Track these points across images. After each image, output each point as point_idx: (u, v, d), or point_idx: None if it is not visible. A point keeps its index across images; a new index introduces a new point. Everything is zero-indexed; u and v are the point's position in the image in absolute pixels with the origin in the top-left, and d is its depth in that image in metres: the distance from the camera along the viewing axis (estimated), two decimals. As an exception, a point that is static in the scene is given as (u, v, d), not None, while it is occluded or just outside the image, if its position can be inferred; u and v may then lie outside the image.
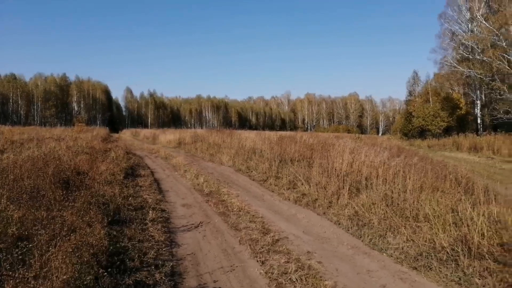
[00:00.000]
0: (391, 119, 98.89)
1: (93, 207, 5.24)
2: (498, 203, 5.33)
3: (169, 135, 26.95)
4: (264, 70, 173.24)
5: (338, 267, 4.32)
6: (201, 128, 61.32)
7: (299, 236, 5.43)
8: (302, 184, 8.35)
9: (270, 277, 3.97)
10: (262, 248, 4.80)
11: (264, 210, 6.88)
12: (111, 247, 4.23)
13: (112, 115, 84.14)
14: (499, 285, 3.71)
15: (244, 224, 5.89)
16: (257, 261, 4.40)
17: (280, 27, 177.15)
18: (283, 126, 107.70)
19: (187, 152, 18.85)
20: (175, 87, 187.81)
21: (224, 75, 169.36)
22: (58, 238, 3.91)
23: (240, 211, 6.72)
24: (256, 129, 78.06)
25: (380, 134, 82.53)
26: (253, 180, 10.22)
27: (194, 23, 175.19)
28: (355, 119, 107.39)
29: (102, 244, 4.07)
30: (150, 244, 4.70)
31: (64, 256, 3.42)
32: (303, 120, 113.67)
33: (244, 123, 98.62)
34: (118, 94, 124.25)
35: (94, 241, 4.02)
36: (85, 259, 3.63)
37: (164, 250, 4.63)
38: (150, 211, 6.19)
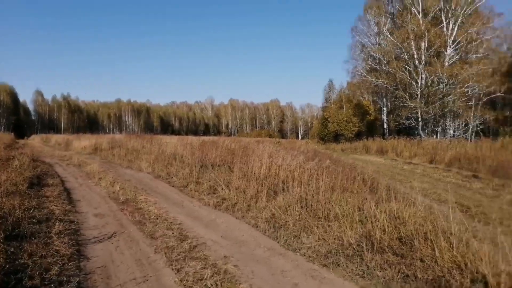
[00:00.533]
0: (309, 124, 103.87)
1: (-13, 221, 4.71)
2: (397, 201, 5.86)
3: (84, 141, 25.23)
4: (187, 75, 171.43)
5: (254, 269, 4.40)
6: (121, 134, 58.31)
7: (217, 241, 5.43)
8: (223, 189, 8.37)
9: (185, 285, 3.91)
10: (179, 255, 4.71)
11: (183, 216, 6.77)
12: (7, 266, 3.83)
13: (18, 119, 76.27)
14: (397, 275, 4.08)
15: (161, 232, 5.72)
16: (173, 269, 4.31)
17: (203, 32, 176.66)
18: (207, 131, 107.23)
19: (103, 158, 17.85)
20: (93, 91, 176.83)
21: (146, 79, 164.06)
22: None
23: (157, 218, 6.52)
24: (179, 134, 76.58)
25: (299, 139, 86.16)
26: (173, 186, 10.00)
27: (114, 25, 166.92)
28: (276, 124, 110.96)
29: (-4, 263, 3.67)
30: (54, 260, 4.33)
31: None
32: (227, 125, 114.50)
33: (166, 128, 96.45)
34: (26, 97, 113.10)
35: (-15, 260, 3.61)
36: (-26, 280, 3.25)
37: (71, 265, 4.30)
38: (57, 223, 5.72)
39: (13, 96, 77.80)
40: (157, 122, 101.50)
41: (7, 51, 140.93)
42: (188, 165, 11.42)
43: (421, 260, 4.27)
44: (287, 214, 6.25)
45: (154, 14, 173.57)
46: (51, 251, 4.57)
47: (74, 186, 10.05)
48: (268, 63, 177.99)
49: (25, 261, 4.15)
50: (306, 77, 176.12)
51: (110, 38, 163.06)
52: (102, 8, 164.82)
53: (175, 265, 4.39)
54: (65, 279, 3.88)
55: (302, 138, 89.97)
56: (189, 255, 4.73)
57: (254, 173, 8.47)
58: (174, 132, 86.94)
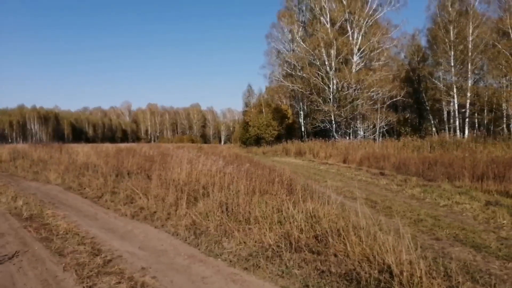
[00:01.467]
0: (231, 128, 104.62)
1: None
2: (313, 200, 6.14)
3: (-22, 154, 22.48)
4: (101, 79, 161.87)
5: (173, 279, 4.26)
6: (25, 143, 53.05)
7: (134, 252, 5.17)
8: (140, 197, 8.02)
9: (98, 303, 3.65)
10: (91, 271, 4.38)
11: (96, 229, 6.33)
12: None
13: None
14: (314, 272, 4.25)
15: (71, 248, 5.29)
16: (84, 287, 3.99)
17: (118, 36, 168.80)
18: (124, 138, 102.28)
19: (3, 171, 16.07)
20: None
21: (54, 82, 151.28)
22: None
23: (67, 234, 6.02)
24: (94, 142, 72.00)
25: (222, 143, 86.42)
26: (86, 198, 9.34)
27: (15, 26, 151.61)
28: (198, 129, 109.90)
29: None
30: None
31: None
32: (146, 131, 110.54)
33: (79, 136, 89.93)
34: None
35: None
36: None
37: (-39, 294, 3.78)
38: None
39: None
40: (68, 130, 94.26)
41: None
42: (102, 174, 10.77)
43: (335, 256, 4.51)
44: (208, 220, 6.19)
45: (66, 15, 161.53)
46: None
47: (-34, 204, 8.87)
48: (188, 67, 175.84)
49: None
50: (226, 81, 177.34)
51: (10, 39, 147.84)
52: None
53: (87, 283, 4.08)
54: (-49, 311, 3.39)
55: (224, 142, 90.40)
56: (103, 270, 4.43)
57: (174, 180, 8.28)
58: (88, 140, 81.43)
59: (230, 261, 4.78)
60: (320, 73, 28.53)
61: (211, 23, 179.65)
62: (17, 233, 6.30)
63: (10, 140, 78.20)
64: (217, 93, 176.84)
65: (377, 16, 27.99)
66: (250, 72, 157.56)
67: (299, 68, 31.32)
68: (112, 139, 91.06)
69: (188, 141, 73.45)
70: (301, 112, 36.10)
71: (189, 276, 4.35)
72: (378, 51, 27.95)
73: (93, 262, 4.69)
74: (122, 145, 23.38)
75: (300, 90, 31.52)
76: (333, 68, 27.95)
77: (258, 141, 36.13)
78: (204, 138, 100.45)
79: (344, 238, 4.65)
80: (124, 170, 10.69)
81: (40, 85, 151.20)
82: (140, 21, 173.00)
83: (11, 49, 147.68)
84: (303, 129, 35.92)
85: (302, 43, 30.67)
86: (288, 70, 33.50)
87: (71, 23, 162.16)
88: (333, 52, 27.61)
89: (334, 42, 27.12)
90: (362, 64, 28.20)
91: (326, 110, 27.92)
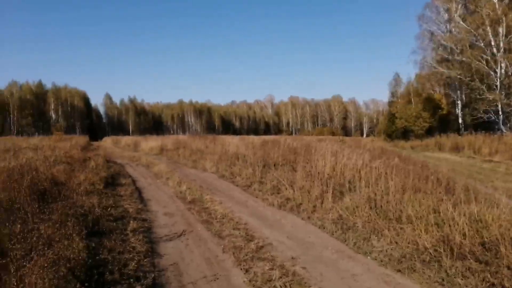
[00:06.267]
0: (375, 120, 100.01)
1: (71, 218, 5.08)
2: (478, 202, 5.39)
3: (150, 142, 26.58)
4: (247, 74, 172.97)
5: (322, 272, 4.28)
6: (184, 134, 60.55)
7: (283, 242, 5.38)
8: (286, 188, 8.30)
9: (254, 285, 3.91)
10: (246, 255, 4.73)
11: (248, 216, 6.81)
12: (90, 260, 4.09)
13: (91, 122, 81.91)
14: (481, 284, 3.73)
15: (227, 232, 5.81)
16: (241, 269, 4.33)
17: (262, 32, 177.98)
18: (267, 130, 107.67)
19: (169, 159, 18.65)
20: (156, 93, 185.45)
21: (206, 79, 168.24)
22: (34, 253, 3.76)
23: (223, 218, 6.64)
24: (240, 133, 77.73)
25: (364, 136, 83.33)
26: (237, 186, 10.14)
27: (174, 29, 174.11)
28: (339, 121, 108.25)
29: (80, 257, 3.94)
30: (130, 256, 4.57)
31: (40, 271, 3.30)
32: (288, 123, 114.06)
33: (227, 127, 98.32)
34: (97, 101, 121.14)
35: (71, 255, 3.89)
36: (62, 273, 3.50)
37: (146, 261, 4.51)
38: (131, 221, 6.06)
39: (86, 100, 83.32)
40: (218, 122, 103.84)
41: (78, 56, 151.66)
42: (250, 164, 11.49)
43: (509, 268, 3.87)
44: (355, 216, 6.03)
45: (215, 15, 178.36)
46: (128, 248, 4.84)
47: (144, 186, 10.60)
48: (329, 58, 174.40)
49: (105, 256, 4.42)
50: (369, 71, 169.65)
51: (172, 40, 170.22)
52: (162, 11, 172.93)
53: (243, 265, 4.41)
54: (141, 274, 4.08)
55: (367, 135, 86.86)
56: (257, 256, 4.73)
57: (318, 173, 8.29)
58: (235, 131, 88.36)
59: (381, 261, 4.55)
60: (484, 55, 24.71)
61: (352, 13, 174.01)
62: (183, 214, 7.23)
63: (171, 132, 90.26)
64: (360, 84, 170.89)
65: None
66: (398, 59, 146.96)
67: (458, 51, 27.68)
68: (256, 131, 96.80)
69: (328, 133, 72.97)
70: (458, 102, 32.01)
71: (338, 272, 4.30)
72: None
73: (248, 247, 5.05)
74: (266, 137, 24.60)
75: (458, 76, 27.86)
76: (502, 49, 23.89)
77: (405, 134, 33.54)
78: (345, 131, 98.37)
79: (522, 250, 3.94)
80: (270, 161, 11.20)
81: (195, 81, 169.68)
82: (286, 16, 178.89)
83: (171, 51, 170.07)
84: (460, 121, 31.81)
85: (461, 22, 27.00)
86: (444, 55, 29.90)
87: (216, 24, 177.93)
88: (501, 30, 23.59)
89: (504, 18, 23.10)
90: (541, 43, 23.40)
91: (491, 98, 24.09)
